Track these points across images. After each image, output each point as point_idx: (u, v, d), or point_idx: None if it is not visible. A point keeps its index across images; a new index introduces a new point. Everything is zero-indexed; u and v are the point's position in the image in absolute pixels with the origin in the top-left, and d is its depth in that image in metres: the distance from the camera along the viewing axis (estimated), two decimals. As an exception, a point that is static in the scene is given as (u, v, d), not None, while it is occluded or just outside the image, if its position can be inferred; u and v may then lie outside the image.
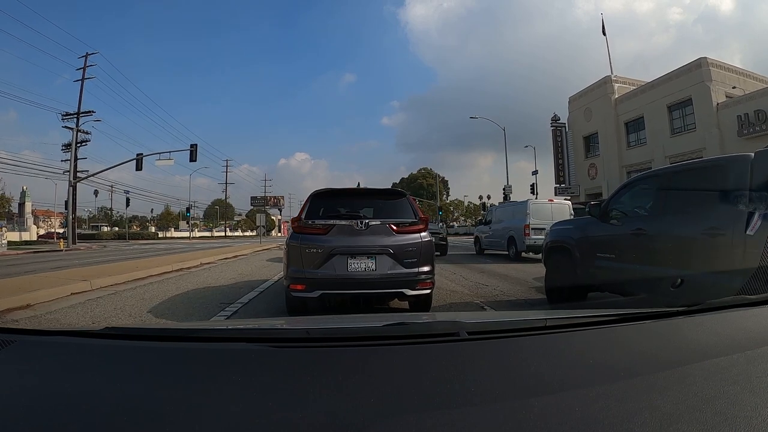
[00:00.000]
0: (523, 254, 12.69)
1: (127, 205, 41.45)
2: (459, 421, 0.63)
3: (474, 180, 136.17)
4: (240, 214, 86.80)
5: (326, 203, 4.59)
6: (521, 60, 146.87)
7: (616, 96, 30.26)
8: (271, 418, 0.64)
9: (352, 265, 4.05)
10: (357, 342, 0.99)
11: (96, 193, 56.85)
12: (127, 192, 42.72)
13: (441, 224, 21.45)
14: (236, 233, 76.36)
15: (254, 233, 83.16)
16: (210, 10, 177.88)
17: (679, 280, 3.17)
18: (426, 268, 4.19)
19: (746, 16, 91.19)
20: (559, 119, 34.01)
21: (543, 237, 12.43)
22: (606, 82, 31.03)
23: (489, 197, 66.24)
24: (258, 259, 13.24)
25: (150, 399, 0.71)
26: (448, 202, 66.36)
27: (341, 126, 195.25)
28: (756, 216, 2.91)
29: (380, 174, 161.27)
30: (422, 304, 4.40)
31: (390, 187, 51.81)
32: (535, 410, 0.65)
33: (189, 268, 9.60)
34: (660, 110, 26.78)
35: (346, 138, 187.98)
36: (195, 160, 25.49)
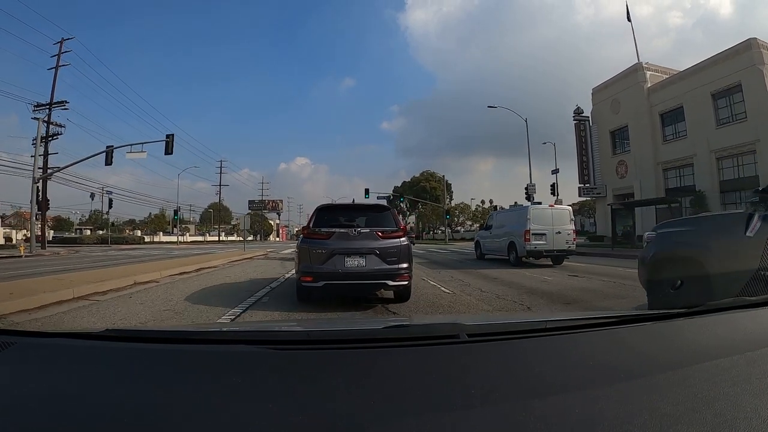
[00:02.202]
0: (524, 259, 12.52)
1: (110, 206, 38.24)
2: (460, 422, 0.63)
3: (474, 185, 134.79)
4: (238, 219, 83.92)
5: (328, 215, 5.81)
6: (521, 63, 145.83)
7: (649, 85, 27.03)
8: (271, 420, 0.64)
9: (348, 262, 5.19)
10: (357, 344, 0.98)
11: (92, 196, 54.02)
12: (109, 192, 39.58)
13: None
14: (231, 237, 73.05)
15: (250, 238, 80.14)
16: (209, 15, 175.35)
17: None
18: (404, 265, 5.30)
19: (745, 20, 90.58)
20: (582, 112, 29.73)
21: (543, 242, 12.19)
22: (637, 70, 27.49)
23: (491, 201, 63.16)
24: (224, 275, 9.52)
25: (150, 401, 0.70)
26: (453, 205, 63.03)
27: (341, 130, 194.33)
28: (755, 217, 2.90)
29: (380, 177, 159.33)
30: (403, 293, 5.59)
31: (392, 190, 51.78)
32: (536, 412, 0.65)
33: (106, 291, 6.28)
34: (702, 99, 23.38)
35: (347, 142, 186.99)
36: (171, 153, 22.43)
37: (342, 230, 5.36)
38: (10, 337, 0.94)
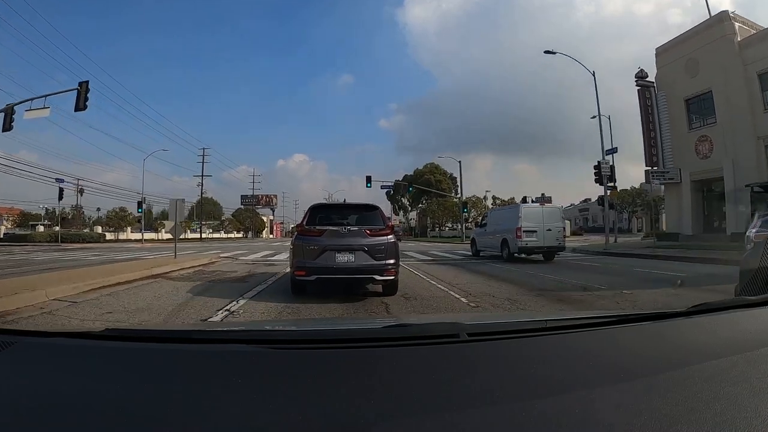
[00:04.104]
0: (516, 255, 12.93)
1: (60, 198, 31.70)
2: (459, 422, 0.62)
3: (473, 183, 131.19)
4: (231, 215, 77.24)
5: (321, 213, 6.20)
6: (519, 62, 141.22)
7: (740, 39, 20.59)
8: (270, 420, 0.63)
9: (338, 258, 5.53)
10: (357, 344, 0.97)
11: (81, 191, 47.68)
12: (60, 181, 32.96)
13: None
14: (217, 235, 66.41)
15: (240, 235, 73.62)
16: (203, 7, 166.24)
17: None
18: (391, 261, 5.66)
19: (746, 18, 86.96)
20: (646, 76, 22.75)
21: (535, 239, 12.72)
22: (722, 20, 20.77)
23: (494, 198, 56.65)
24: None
25: (149, 400, 0.70)
26: (464, 199, 56.42)
27: (340, 128, 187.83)
28: (756, 217, 2.96)
29: (379, 175, 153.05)
30: (390, 287, 5.87)
31: (392, 184, 48.09)
32: (536, 411, 0.65)
33: None
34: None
35: (345, 140, 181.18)
36: (84, 108, 15.80)
37: (333, 228, 5.75)
38: (10, 337, 0.94)
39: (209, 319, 4.69)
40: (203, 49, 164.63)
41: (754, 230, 3.66)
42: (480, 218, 17.60)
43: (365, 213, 6.24)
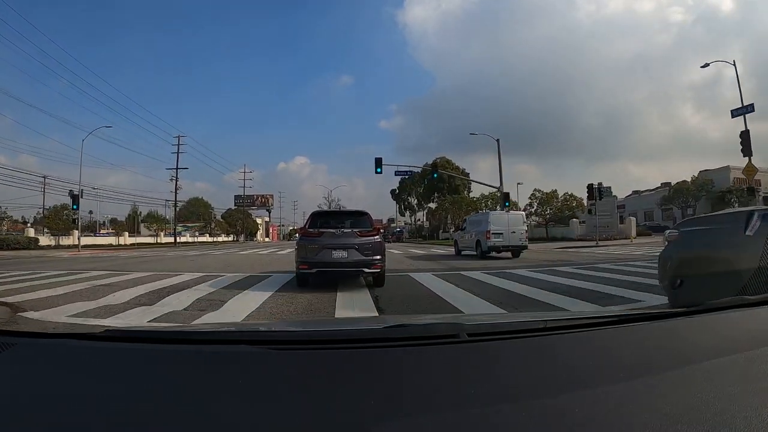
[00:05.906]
0: (487, 254, 15.35)
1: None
2: (459, 423, 0.63)
3: (473, 184, 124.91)
4: (220, 216, 69.99)
5: (320, 218, 7.81)
6: (520, 62, 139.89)
7: None
8: (270, 421, 0.64)
9: (334, 254, 6.91)
10: (357, 344, 0.97)
11: (71, 193, 41.03)
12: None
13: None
14: (201, 239, 59.06)
15: (230, 238, 66.26)
16: (202, 10, 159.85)
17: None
18: (378, 257, 7.01)
19: (746, 16, 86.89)
20: None
21: (501, 240, 15.34)
22: None
23: (519, 190, 49.58)
24: None
25: (150, 401, 0.70)
26: (479, 196, 49.23)
27: (339, 129, 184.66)
28: (755, 216, 2.89)
29: (381, 175, 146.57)
30: (378, 279, 7.19)
31: (396, 186, 54.92)
32: (535, 412, 0.65)
33: None
34: None
35: (345, 141, 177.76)
36: None
37: (330, 230, 7.19)
38: (10, 338, 0.93)
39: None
40: (203, 49, 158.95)
41: (668, 231, 3.92)
42: (461, 222, 20.40)
43: (356, 218, 7.78)
